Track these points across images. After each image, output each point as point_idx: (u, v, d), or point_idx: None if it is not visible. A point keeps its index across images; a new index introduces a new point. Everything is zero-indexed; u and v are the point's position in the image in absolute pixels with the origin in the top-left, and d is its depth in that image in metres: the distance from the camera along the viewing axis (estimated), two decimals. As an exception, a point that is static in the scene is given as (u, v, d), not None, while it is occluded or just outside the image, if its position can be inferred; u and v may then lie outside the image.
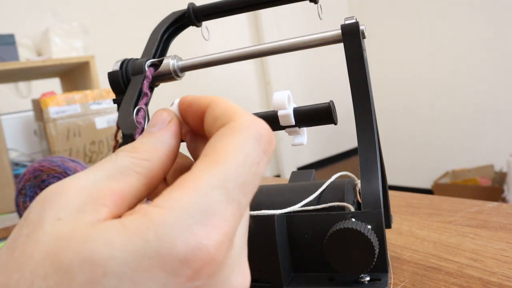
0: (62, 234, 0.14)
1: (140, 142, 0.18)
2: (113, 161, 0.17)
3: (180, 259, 0.13)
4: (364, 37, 0.34)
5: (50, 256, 0.13)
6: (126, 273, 0.13)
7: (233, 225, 0.15)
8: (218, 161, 0.15)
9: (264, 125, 0.17)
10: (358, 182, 0.34)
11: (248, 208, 0.18)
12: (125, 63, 0.37)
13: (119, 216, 0.15)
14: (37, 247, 0.13)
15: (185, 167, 0.22)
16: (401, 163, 2.72)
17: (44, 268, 0.13)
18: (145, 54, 0.39)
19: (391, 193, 0.51)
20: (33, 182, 0.66)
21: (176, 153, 0.19)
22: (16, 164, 1.22)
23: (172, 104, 0.21)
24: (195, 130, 0.21)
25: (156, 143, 0.18)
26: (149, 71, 0.36)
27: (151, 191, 0.18)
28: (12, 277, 0.13)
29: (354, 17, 0.33)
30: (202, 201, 0.14)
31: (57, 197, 0.15)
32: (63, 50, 1.33)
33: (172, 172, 0.22)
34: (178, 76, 0.37)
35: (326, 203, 0.35)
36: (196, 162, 0.16)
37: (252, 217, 0.33)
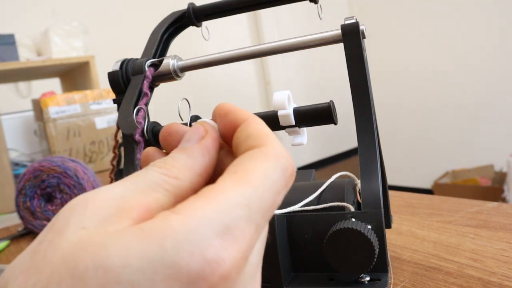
0: (81, 240, 0.13)
1: (171, 157, 0.18)
2: (143, 175, 0.17)
3: (197, 271, 0.13)
4: (364, 37, 0.34)
5: (67, 261, 0.13)
6: (140, 282, 0.12)
7: (251, 243, 0.15)
8: (246, 181, 0.16)
9: (291, 160, 0.18)
10: (358, 182, 0.34)
11: (266, 231, 0.18)
12: (125, 63, 0.37)
13: None
14: (56, 253, 0.13)
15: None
16: (401, 163, 2.72)
17: (60, 274, 0.13)
18: (145, 54, 0.39)
19: (391, 193, 0.51)
20: (33, 182, 0.66)
21: (209, 170, 0.19)
22: (16, 164, 1.22)
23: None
24: (221, 137, 0.20)
25: (188, 161, 0.18)
26: (149, 71, 0.36)
27: None
28: (29, 281, 0.13)
29: (354, 17, 0.33)
30: (225, 215, 0.14)
31: (84, 206, 0.15)
32: (63, 50, 1.33)
33: None
34: (178, 76, 0.37)
35: (326, 203, 0.35)
36: (223, 176, 0.16)
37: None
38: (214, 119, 0.21)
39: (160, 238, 0.13)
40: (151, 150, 0.22)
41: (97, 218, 0.14)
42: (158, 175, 0.17)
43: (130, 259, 0.13)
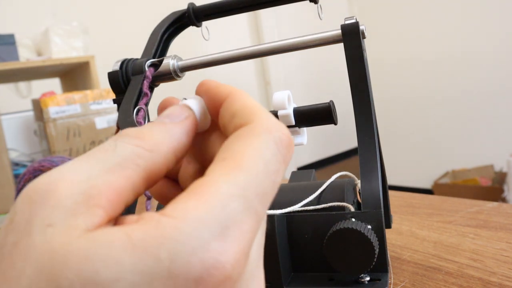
0: (56, 247, 0.12)
1: (148, 128, 0.16)
2: (112, 150, 0.15)
3: (195, 279, 0.12)
4: (364, 37, 0.34)
5: (46, 274, 0.12)
6: None
7: (250, 238, 0.13)
8: (237, 167, 0.14)
9: (284, 130, 0.16)
10: (358, 182, 0.34)
11: (265, 218, 0.17)
12: (125, 63, 0.37)
13: (115, 217, 0.14)
14: (29, 262, 0.12)
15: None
16: (401, 163, 2.72)
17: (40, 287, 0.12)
18: (145, 54, 0.39)
19: (391, 193, 0.50)
20: (33, 182, 0.66)
21: (184, 153, 0.17)
22: (16, 164, 1.22)
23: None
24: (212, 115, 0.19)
25: (164, 135, 0.16)
26: (149, 71, 0.36)
27: (150, 187, 0.16)
28: None
29: (354, 17, 0.33)
30: (220, 213, 0.13)
31: (46, 196, 0.13)
32: (63, 50, 1.33)
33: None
34: (178, 76, 0.37)
35: (326, 203, 0.35)
36: (212, 165, 0.15)
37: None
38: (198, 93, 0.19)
39: (154, 249, 0.12)
40: (170, 99, 0.20)
41: (63, 211, 0.13)
42: (130, 147, 0.15)
43: (122, 272, 0.11)
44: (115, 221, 0.14)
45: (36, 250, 0.12)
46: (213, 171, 0.14)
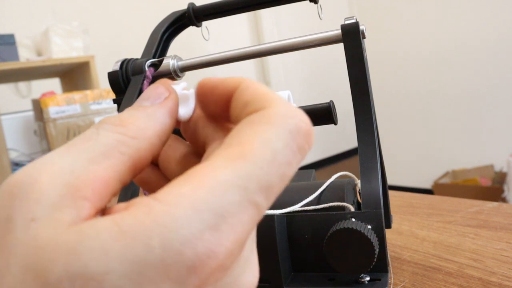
0: (42, 242, 0.11)
1: (129, 114, 0.15)
2: (94, 139, 0.14)
3: (187, 267, 0.11)
4: (364, 37, 0.34)
5: (32, 270, 0.11)
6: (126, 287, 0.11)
7: (248, 230, 0.13)
8: (242, 156, 0.13)
9: (303, 117, 0.14)
10: (358, 182, 0.34)
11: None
12: (125, 63, 0.37)
13: (102, 208, 0.13)
14: (13, 259, 0.11)
15: (188, 156, 0.20)
16: (401, 163, 2.72)
17: (27, 285, 0.11)
18: (145, 54, 0.39)
19: (391, 193, 0.51)
20: (33, 182, 0.66)
21: (168, 135, 0.16)
22: (16, 164, 1.22)
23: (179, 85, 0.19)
24: (216, 116, 0.18)
25: (147, 120, 0.15)
26: (149, 71, 0.36)
27: (136, 175, 0.16)
28: None
29: (354, 17, 0.33)
30: (216, 201, 0.12)
31: (28, 189, 0.12)
32: (63, 50, 1.33)
33: (173, 161, 0.20)
34: (178, 76, 0.37)
35: (326, 203, 0.35)
36: (216, 152, 0.14)
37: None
38: (199, 96, 0.18)
39: (145, 236, 0.11)
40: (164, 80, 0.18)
41: (46, 204, 0.12)
42: (112, 135, 0.14)
43: (111, 264, 0.11)
44: (103, 211, 0.14)
45: (20, 246, 0.11)
46: (215, 157, 0.13)
